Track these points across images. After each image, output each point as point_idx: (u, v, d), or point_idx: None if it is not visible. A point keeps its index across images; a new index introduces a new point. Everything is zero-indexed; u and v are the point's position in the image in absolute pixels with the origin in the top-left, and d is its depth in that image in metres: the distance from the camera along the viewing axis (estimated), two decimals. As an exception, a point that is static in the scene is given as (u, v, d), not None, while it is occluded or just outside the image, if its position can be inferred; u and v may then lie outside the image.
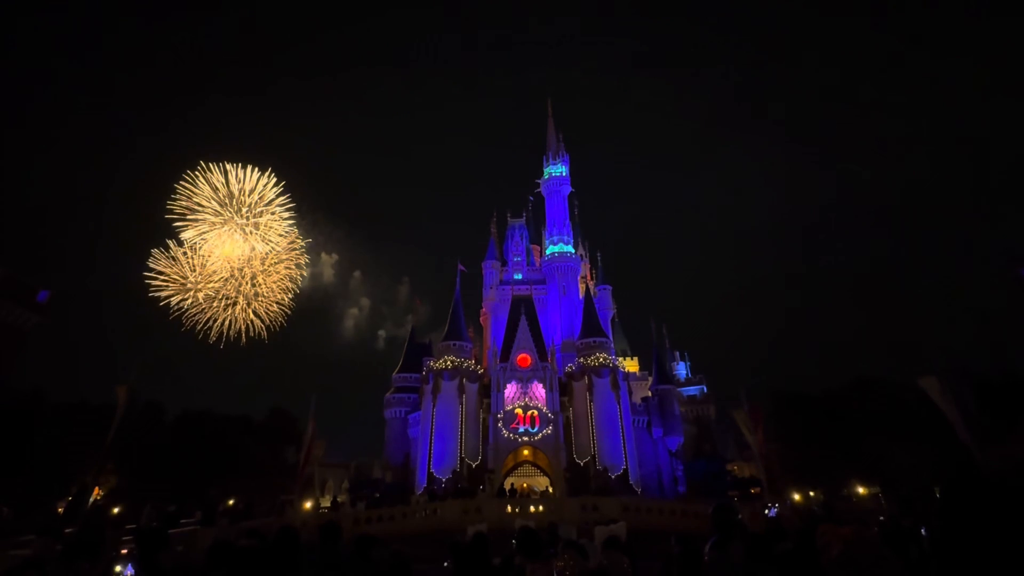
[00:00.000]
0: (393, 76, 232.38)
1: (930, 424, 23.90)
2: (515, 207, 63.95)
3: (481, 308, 57.39)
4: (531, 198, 64.06)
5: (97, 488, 26.60)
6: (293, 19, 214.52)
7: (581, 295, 51.91)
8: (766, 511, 16.70)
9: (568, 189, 59.22)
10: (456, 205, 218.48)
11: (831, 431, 33.22)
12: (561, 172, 59.31)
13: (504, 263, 58.68)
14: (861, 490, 35.21)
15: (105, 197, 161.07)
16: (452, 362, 43.18)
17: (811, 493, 36.24)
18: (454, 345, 44.59)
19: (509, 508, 26.73)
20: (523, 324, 45.54)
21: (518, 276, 57.43)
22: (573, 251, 56.33)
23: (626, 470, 39.55)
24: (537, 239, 61.35)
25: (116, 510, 27.60)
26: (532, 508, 27.39)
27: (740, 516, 5.47)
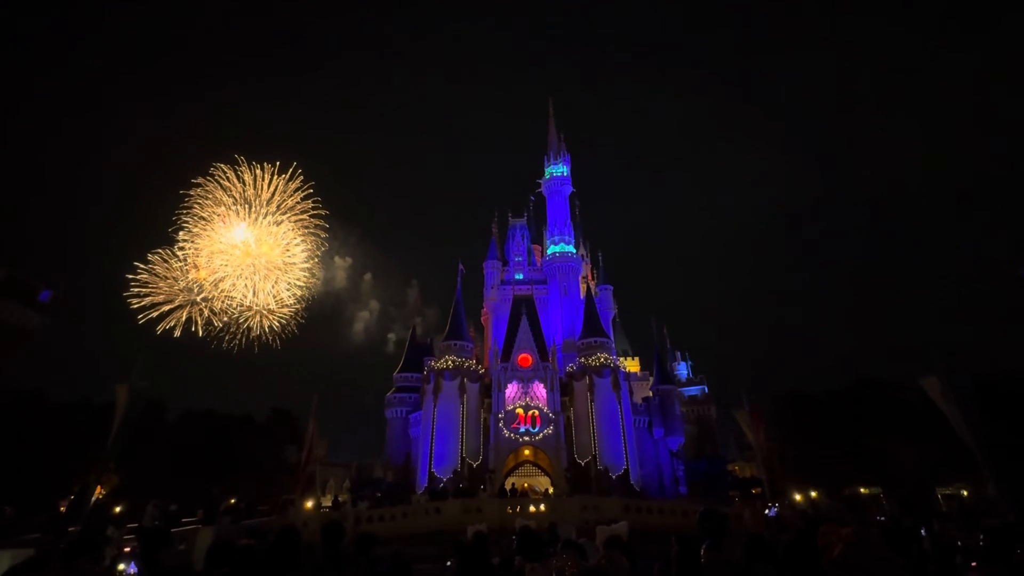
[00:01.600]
0: (394, 75, 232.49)
1: (931, 424, 23.87)
2: (516, 207, 64.04)
3: (482, 308, 57.38)
4: (532, 198, 64.13)
5: (99, 487, 26.64)
6: (290, 23, 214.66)
7: (582, 295, 51.88)
8: (766, 511, 16.69)
9: (569, 189, 59.20)
10: (458, 205, 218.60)
11: (832, 431, 33.19)
12: (562, 172, 59.28)
13: (505, 263, 58.66)
14: (862, 490, 35.16)
15: (110, 195, 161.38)
16: (453, 362, 43.20)
17: (812, 493, 36.19)
18: (455, 345, 44.61)
19: (510, 508, 26.73)
20: (524, 324, 45.53)
21: (519, 276, 57.41)
22: (574, 251, 56.30)
23: (627, 470, 39.51)
24: (538, 239, 61.31)
25: (118, 509, 27.59)
26: (533, 508, 27.38)
27: (728, 518, 5.47)
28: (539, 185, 60.72)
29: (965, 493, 29.33)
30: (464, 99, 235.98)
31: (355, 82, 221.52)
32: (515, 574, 5.29)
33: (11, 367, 33.40)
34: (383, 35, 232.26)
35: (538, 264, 58.57)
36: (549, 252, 56.05)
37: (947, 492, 30.12)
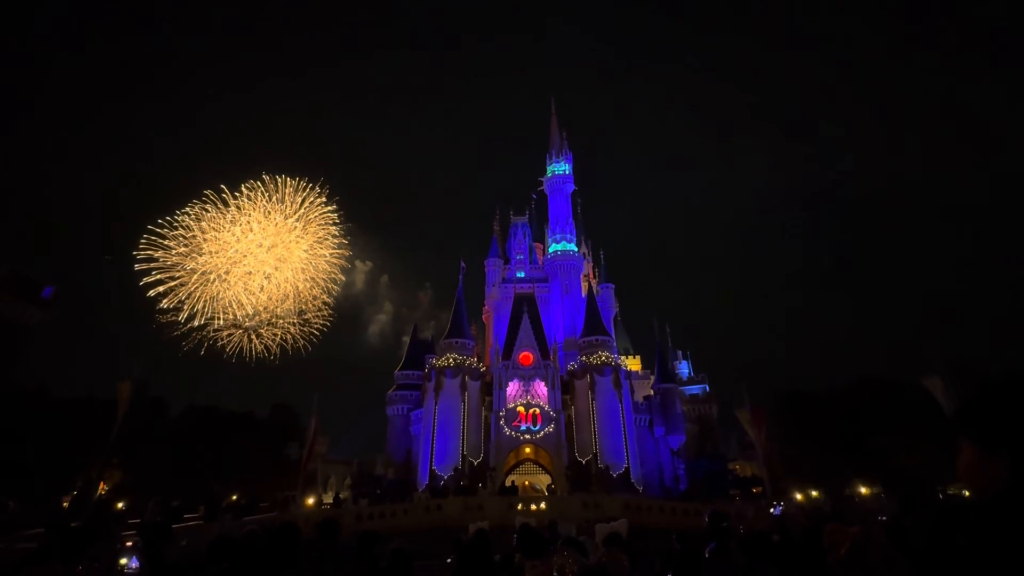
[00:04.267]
0: (395, 74, 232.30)
1: (933, 424, 23.80)
2: (518, 205, 63.89)
3: (484, 306, 57.37)
4: (534, 196, 63.96)
5: (102, 483, 26.78)
6: (289, 24, 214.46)
7: (583, 293, 51.82)
8: (771, 509, 16.69)
9: (571, 187, 59.08)
10: (460, 203, 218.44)
11: (834, 430, 33.13)
12: (564, 170, 59.15)
13: (507, 261, 58.58)
14: (863, 489, 35.13)
15: (115, 192, 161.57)
16: (454, 360, 43.20)
17: (813, 492, 36.16)
18: (456, 343, 44.61)
19: (510, 506, 26.76)
20: (525, 322, 45.52)
21: (521, 274, 57.35)
22: (576, 249, 56.21)
23: (627, 468, 39.52)
24: (540, 237, 61.21)
25: (121, 504, 27.79)
26: (533, 506, 27.42)
27: (731, 519, 5.46)
28: (541, 183, 60.60)
29: (967, 493, 29.26)
30: (466, 96, 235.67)
31: (356, 80, 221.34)
32: (515, 571, 5.28)
33: (14, 363, 33.57)
34: (385, 32, 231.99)
35: (539, 262, 58.50)
36: (551, 250, 55.97)
37: (949, 492, 30.06)
